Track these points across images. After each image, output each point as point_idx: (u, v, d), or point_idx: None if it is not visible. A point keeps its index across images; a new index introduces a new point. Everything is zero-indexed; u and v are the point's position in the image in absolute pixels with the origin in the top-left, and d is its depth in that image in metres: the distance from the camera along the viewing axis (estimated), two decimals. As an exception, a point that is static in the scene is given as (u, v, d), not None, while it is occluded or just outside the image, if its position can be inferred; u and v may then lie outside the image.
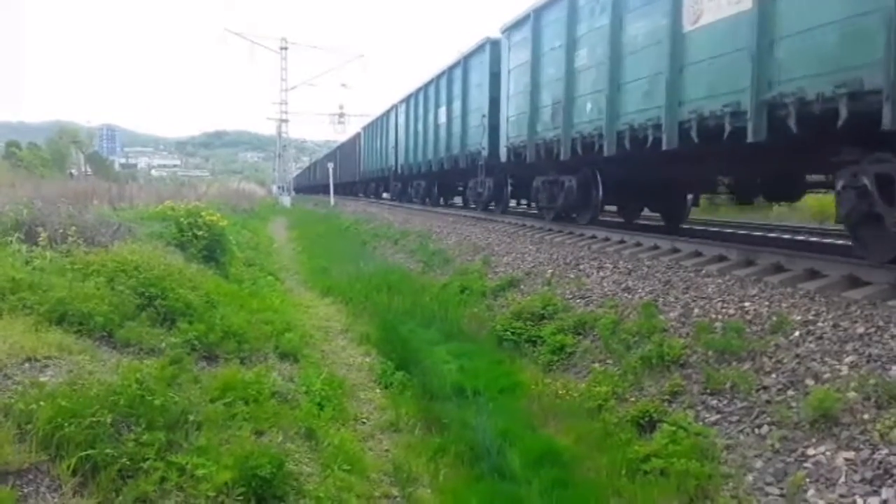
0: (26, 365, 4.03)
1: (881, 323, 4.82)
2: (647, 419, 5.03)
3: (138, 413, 3.69)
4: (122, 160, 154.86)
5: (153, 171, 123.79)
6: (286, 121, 54.03)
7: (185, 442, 3.77)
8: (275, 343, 6.59)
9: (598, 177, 11.43)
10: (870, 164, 6.00)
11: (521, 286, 9.33)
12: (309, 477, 4.13)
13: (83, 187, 17.79)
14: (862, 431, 3.91)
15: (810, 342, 4.98)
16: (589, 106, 10.44)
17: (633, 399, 5.46)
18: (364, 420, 5.67)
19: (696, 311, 6.31)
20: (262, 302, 8.25)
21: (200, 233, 9.51)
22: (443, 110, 20.61)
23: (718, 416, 4.80)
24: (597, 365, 6.32)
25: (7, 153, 61.92)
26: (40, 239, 6.77)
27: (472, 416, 5.54)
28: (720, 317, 5.99)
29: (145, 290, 5.84)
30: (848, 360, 4.58)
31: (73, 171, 52.81)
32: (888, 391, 4.03)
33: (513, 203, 19.74)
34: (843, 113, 5.70)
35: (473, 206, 20.61)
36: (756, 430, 4.46)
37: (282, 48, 52.21)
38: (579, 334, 7.04)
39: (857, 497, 3.53)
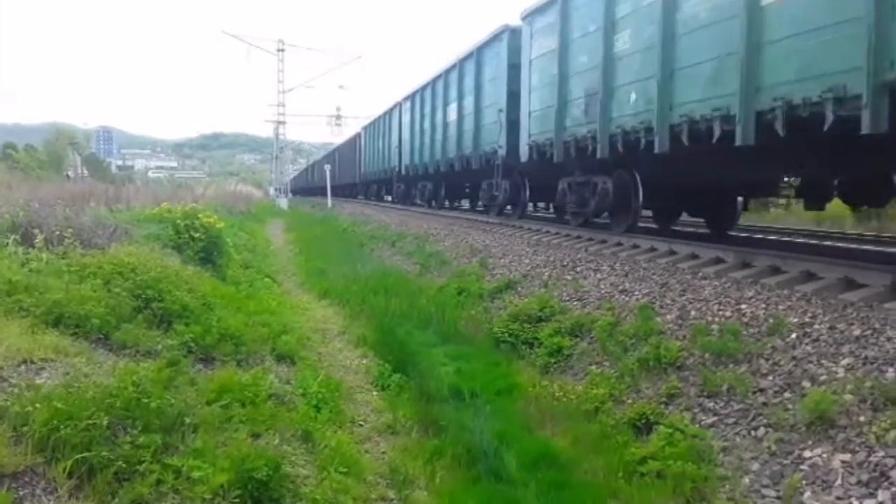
0: (22, 367, 4.03)
1: (877, 325, 4.83)
2: (643, 421, 5.04)
3: (134, 415, 3.68)
4: (119, 162, 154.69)
5: (150, 173, 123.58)
6: (283, 123, 54.00)
7: (182, 444, 3.77)
8: (272, 345, 6.57)
9: (638, 178, 10.21)
10: None
11: (519, 288, 9.34)
12: (305, 479, 4.13)
13: (80, 189, 17.77)
14: (858, 434, 3.91)
15: (807, 344, 4.99)
16: (633, 96, 9.16)
17: (630, 401, 5.46)
18: (361, 422, 5.66)
19: (692, 313, 6.32)
20: (259, 304, 8.24)
21: (197, 235, 9.51)
22: (453, 107, 19.35)
23: (715, 418, 4.81)
24: (594, 367, 6.32)
25: (3, 155, 61.78)
26: (37, 241, 6.75)
27: (470, 419, 5.54)
28: (717, 319, 5.99)
29: (142, 293, 5.84)
30: (844, 362, 4.58)
31: (69, 172, 52.74)
32: (884, 393, 4.04)
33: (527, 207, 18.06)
34: None
35: (483, 209, 19.71)
36: (752, 433, 4.47)
37: (279, 50, 52.18)
38: (576, 336, 7.04)
39: (853, 499, 3.54)
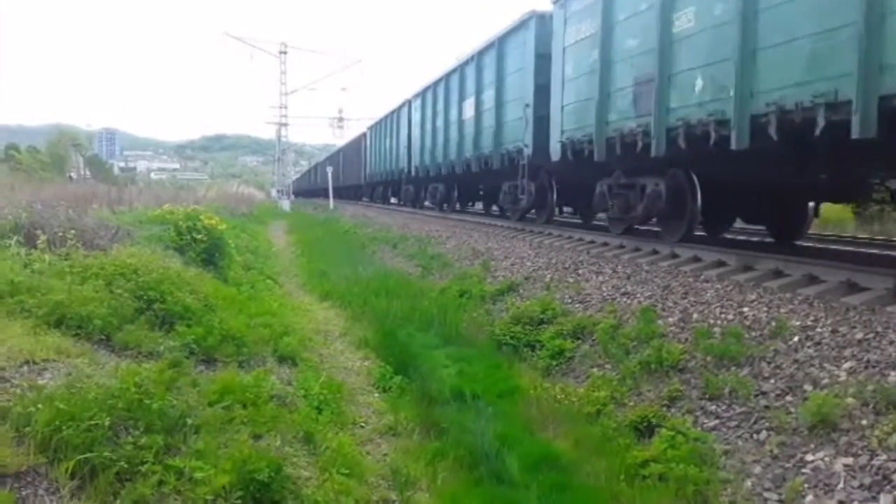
0: (25, 368, 4.03)
1: (880, 328, 4.82)
2: (645, 424, 5.03)
3: (136, 416, 3.68)
4: (122, 164, 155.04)
5: (152, 175, 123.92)
6: (286, 125, 54.13)
7: (184, 445, 3.77)
8: (273, 347, 6.58)
9: (696, 180, 9.00)
10: None
11: (521, 290, 9.33)
12: (307, 481, 4.13)
13: (82, 191, 17.83)
14: (860, 437, 3.91)
15: (809, 348, 4.98)
16: (699, 83, 7.79)
17: (631, 404, 5.46)
18: (362, 424, 5.66)
19: (695, 316, 6.32)
20: (261, 305, 8.24)
21: (199, 236, 9.52)
22: (469, 102, 17.81)
23: (717, 421, 4.80)
24: (595, 370, 6.32)
25: (6, 156, 61.90)
26: (39, 242, 6.76)
27: (471, 421, 5.54)
28: (719, 322, 5.99)
29: (144, 294, 5.84)
30: (846, 365, 4.58)
31: (72, 174, 52.86)
32: (886, 397, 4.03)
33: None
34: None
35: (499, 213, 18.93)
36: (755, 436, 4.46)
37: (281, 52, 52.35)
38: (578, 339, 7.04)
39: (855, 503, 3.53)
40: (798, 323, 5.35)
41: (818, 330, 5.15)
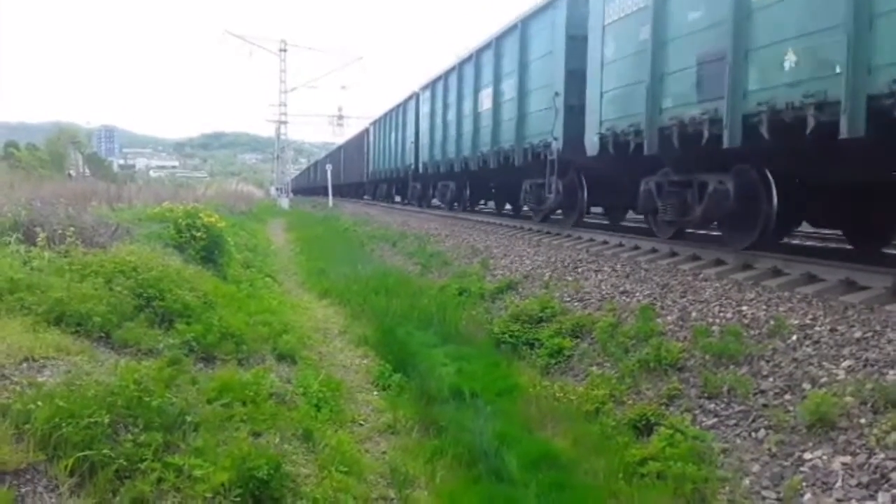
0: (24, 365, 4.03)
1: (878, 327, 4.83)
2: (644, 422, 5.03)
3: (136, 414, 3.69)
4: (121, 161, 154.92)
5: (152, 172, 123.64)
6: (285, 122, 54.11)
7: (183, 443, 3.77)
8: (272, 344, 6.58)
9: (771, 178, 7.75)
10: None
11: (520, 289, 9.34)
12: (306, 478, 4.13)
13: (81, 188, 17.81)
14: (859, 436, 3.92)
15: (807, 346, 4.99)
16: (790, 60, 6.51)
17: (630, 402, 5.46)
18: (361, 422, 5.66)
19: (693, 314, 6.33)
20: (260, 303, 8.24)
21: (198, 234, 9.52)
22: (487, 93, 16.27)
23: (716, 419, 4.81)
24: (594, 368, 6.32)
25: (6, 153, 61.82)
26: (39, 239, 6.76)
27: (470, 419, 5.54)
28: (718, 320, 6.00)
29: (143, 291, 5.85)
30: (845, 364, 4.59)
31: (71, 171, 52.76)
32: (885, 396, 4.04)
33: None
34: None
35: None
36: (753, 434, 4.47)
37: (281, 50, 52.33)
38: (577, 337, 7.05)
39: (853, 502, 3.54)
40: (797, 321, 5.36)
41: (817, 328, 5.16)
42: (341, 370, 6.96)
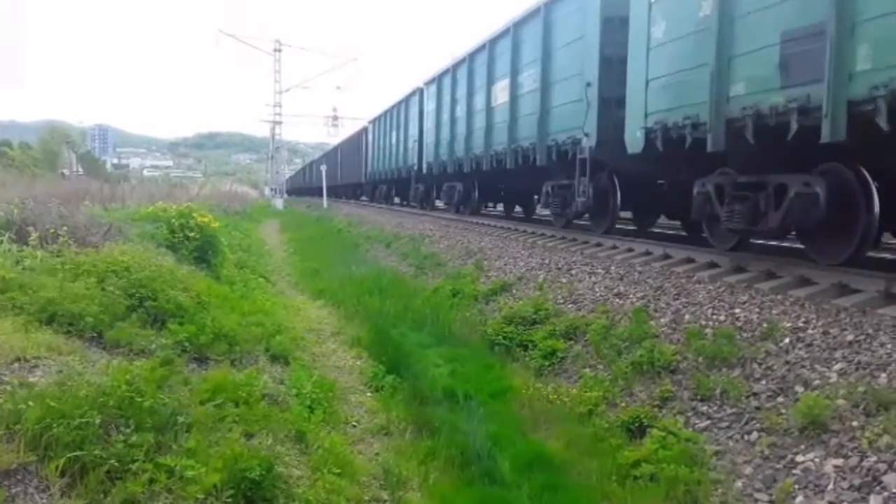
0: (15, 365, 4.01)
1: (870, 330, 4.85)
2: (637, 424, 5.05)
3: (127, 414, 3.66)
4: (115, 160, 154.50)
5: (145, 172, 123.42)
6: (280, 123, 53.97)
7: (175, 444, 3.75)
8: (266, 345, 6.56)
9: (870, 179, 6.53)
10: None
11: (514, 290, 9.34)
12: (298, 480, 4.12)
13: (75, 187, 17.75)
14: (851, 438, 3.93)
15: (800, 349, 5.00)
16: None
17: (623, 404, 5.47)
18: (354, 423, 5.66)
19: (687, 317, 6.34)
20: (254, 304, 8.22)
21: (192, 234, 9.49)
22: (502, 86, 14.76)
23: (708, 421, 4.82)
24: (588, 370, 6.33)
25: (-2, 152, 61.56)
26: (31, 239, 6.73)
27: (463, 420, 5.54)
28: (711, 323, 6.01)
29: (136, 291, 5.82)
30: (837, 367, 4.60)
31: (64, 171, 52.61)
32: (877, 398, 4.06)
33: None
34: None
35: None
36: (745, 437, 4.48)
37: (276, 50, 52.19)
38: (571, 339, 7.05)
39: (845, 504, 3.55)
40: (789, 324, 5.38)
41: (809, 331, 5.17)
42: (335, 371, 6.95)
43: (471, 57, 17.01)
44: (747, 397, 4.80)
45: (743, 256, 7.50)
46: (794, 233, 7.65)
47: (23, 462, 3.11)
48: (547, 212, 14.96)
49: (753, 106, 6.78)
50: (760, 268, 6.96)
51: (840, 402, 4.21)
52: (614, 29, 10.00)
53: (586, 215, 12.42)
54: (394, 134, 27.09)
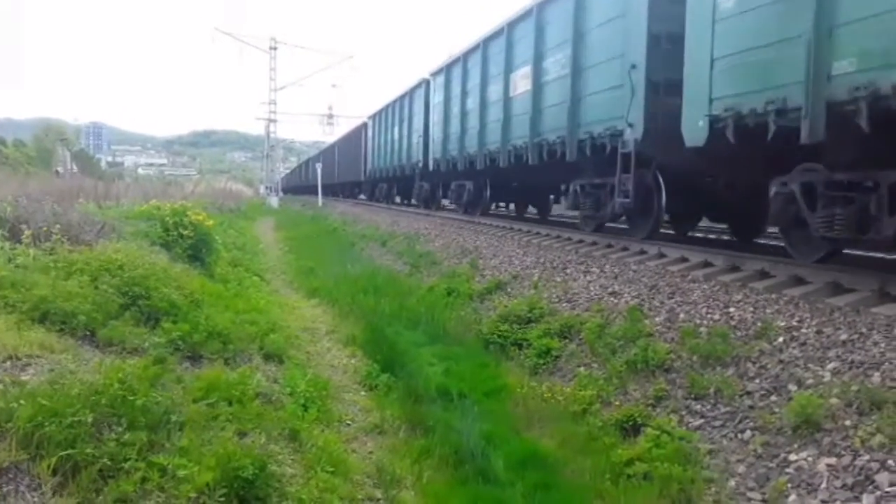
0: (7, 363, 3.99)
1: (864, 330, 4.86)
2: (631, 423, 5.05)
3: (120, 413, 3.65)
4: (109, 158, 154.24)
5: (140, 170, 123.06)
6: (275, 121, 53.91)
7: (167, 442, 3.74)
8: (259, 344, 6.55)
9: None
10: None
11: (508, 289, 9.34)
12: (292, 478, 4.11)
13: (69, 185, 17.70)
14: (844, 437, 3.94)
15: (794, 348, 5.01)
16: None
17: (617, 403, 5.48)
18: (348, 422, 5.65)
19: (681, 315, 6.34)
20: (248, 302, 8.20)
21: (186, 232, 9.46)
22: (523, 73, 13.22)
23: (702, 420, 4.83)
24: (582, 369, 6.33)
25: (-8, 150, 61.37)
26: (24, 236, 6.71)
27: (457, 419, 5.54)
28: (705, 322, 6.02)
29: (129, 290, 5.79)
30: (831, 366, 4.61)
31: (59, 168, 52.43)
32: (870, 398, 4.06)
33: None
34: None
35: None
36: (739, 435, 4.49)
37: (271, 48, 52.11)
38: (565, 338, 7.05)
39: (837, 503, 3.56)
40: (783, 323, 5.39)
41: (803, 330, 5.18)
42: (329, 370, 6.94)
43: (484, 44, 15.49)
44: (741, 396, 4.81)
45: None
46: None
47: (14, 460, 3.10)
48: (563, 213, 13.65)
49: (868, 86, 5.47)
50: (755, 267, 6.97)
51: (833, 401, 4.22)
52: (664, 1, 8.70)
53: (622, 218, 11.18)
54: (396, 129, 25.57)
